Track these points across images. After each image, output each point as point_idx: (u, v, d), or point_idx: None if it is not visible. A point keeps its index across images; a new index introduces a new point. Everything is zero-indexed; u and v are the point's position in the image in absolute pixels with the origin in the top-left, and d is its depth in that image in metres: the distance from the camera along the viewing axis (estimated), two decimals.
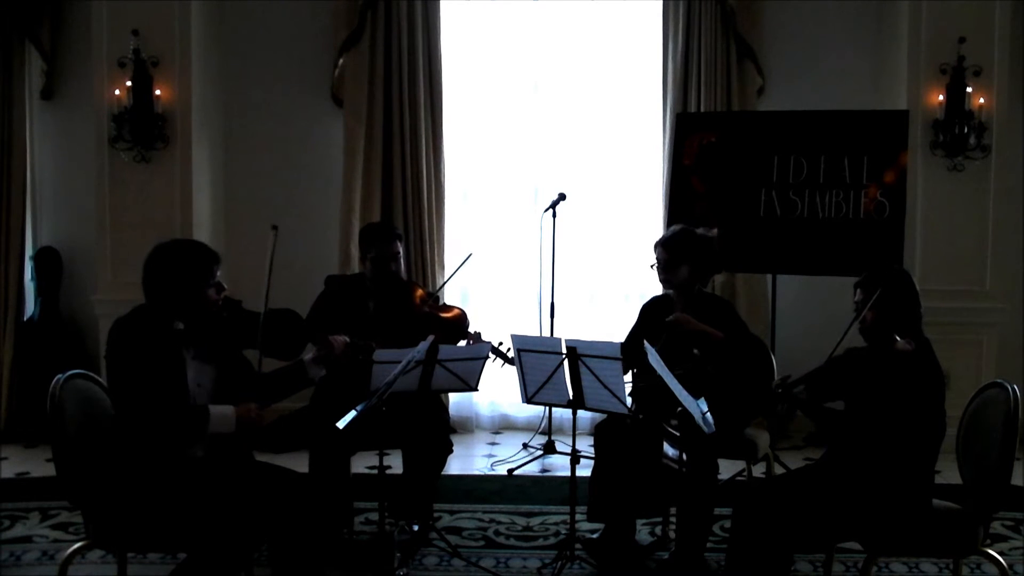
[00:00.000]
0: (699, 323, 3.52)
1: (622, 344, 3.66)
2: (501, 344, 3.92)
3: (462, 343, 3.80)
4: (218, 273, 2.85)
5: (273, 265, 2.91)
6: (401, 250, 3.86)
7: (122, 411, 2.72)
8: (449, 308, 3.95)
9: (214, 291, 2.83)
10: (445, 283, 3.82)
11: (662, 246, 3.65)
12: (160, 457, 2.68)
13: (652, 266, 3.69)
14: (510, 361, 3.85)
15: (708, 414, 2.97)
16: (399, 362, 3.05)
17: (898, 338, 2.77)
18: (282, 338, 2.98)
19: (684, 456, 3.40)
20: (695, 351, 3.30)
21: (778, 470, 4.22)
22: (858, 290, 2.95)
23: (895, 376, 2.76)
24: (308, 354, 3.06)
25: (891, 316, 2.85)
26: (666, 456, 3.53)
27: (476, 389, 3.46)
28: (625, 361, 3.54)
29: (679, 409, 3.13)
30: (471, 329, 3.86)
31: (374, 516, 3.75)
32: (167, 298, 2.77)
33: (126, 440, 2.70)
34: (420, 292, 3.98)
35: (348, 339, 3.10)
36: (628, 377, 3.62)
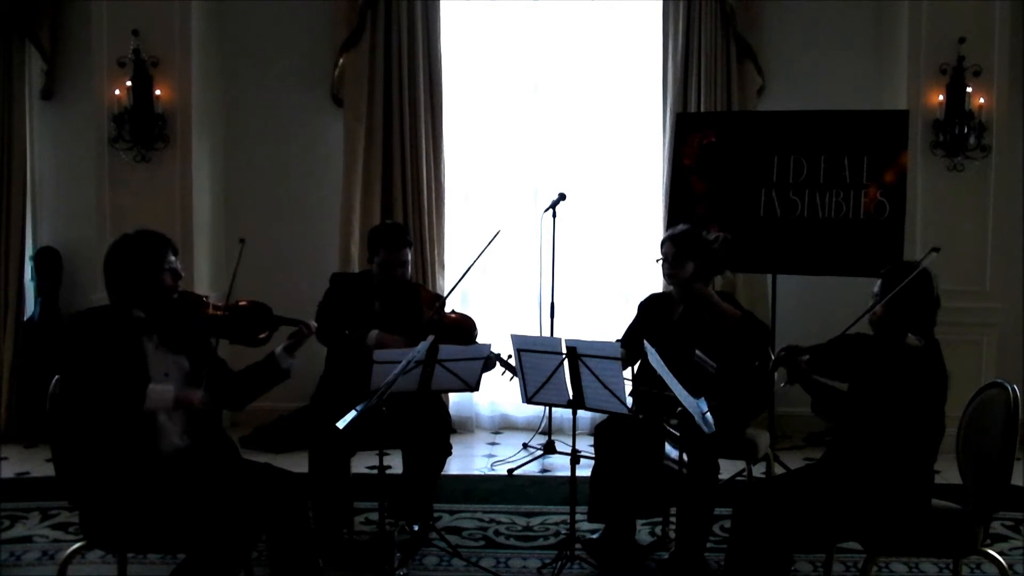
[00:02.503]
0: (719, 299, 3.57)
1: (620, 339, 3.68)
2: (510, 357, 3.74)
3: None
4: (173, 259, 2.86)
5: (238, 274, 3.01)
6: (410, 256, 3.80)
7: (70, 403, 2.70)
8: (456, 315, 3.91)
9: (169, 276, 2.84)
10: (471, 266, 3.68)
11: (671, 241, 3.66)
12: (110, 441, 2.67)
13: (658, 260, 3.70)
14: (512, 370, 3.79)
15: (708, 414, 2.97)
16: (399, 362, 3.05)
17: (910, 334, 2.76)
18: (246, 324, 2.98)
19: (685, 456, 3.40)
20: (697, 352, 3.30)
21: (778, 470, 4.22)
22: (879, 281, 2.93)
23: (900, 369, 2.76)
24: (278, 346, 3.05)
25: (902, 313, 2.84)
26: (667, 457, 3.52)
27: (476, 389, 3.46)
28: (624, 356, 3.56)
29: (679, 409, 3.14)
30: (480, 339, 3.77)
31: (374, 516, 3.75)
32: (123, 286, 2.80)
33: (72, 436, 2.70)
34: (427, 296, 3.97)
35: (317, 325, 3.15)
36: (627, 373, 3.62)
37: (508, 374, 3.90)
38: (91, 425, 2.67)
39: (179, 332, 2.86)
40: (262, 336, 3.03)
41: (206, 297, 3.04)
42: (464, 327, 3.81)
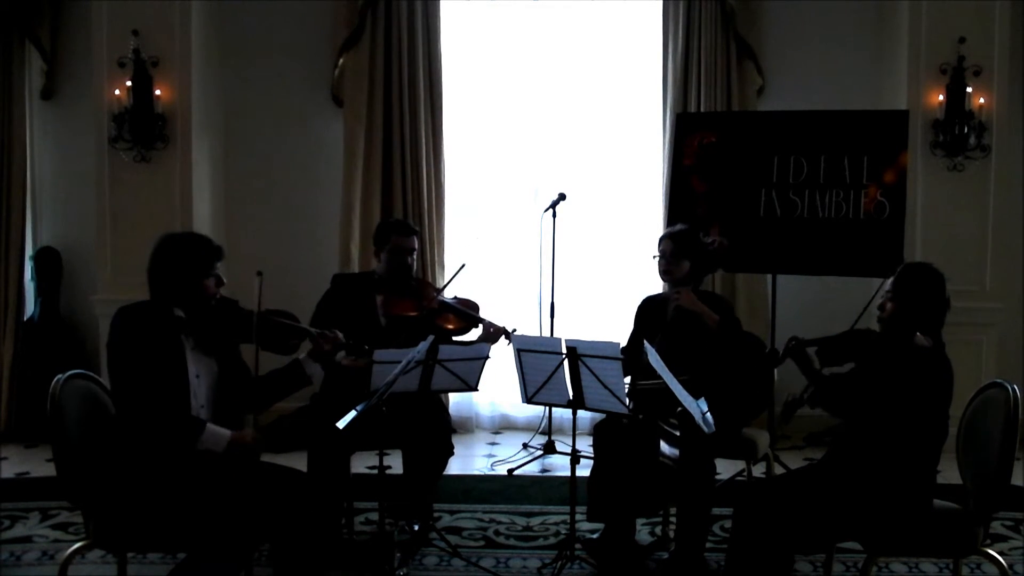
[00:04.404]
0: (698, 302, 3.61)
1: (623, 349, 3.68)
2: (515, 331, 3.86)
3: (479, 331, 3.81)
4: (219, 267, 2.93)
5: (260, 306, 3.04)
6: (416, 247, 3.89)
7: (123, 405, 2.76)
8: (461, 299, 3.96)
9: (213, 283, 2.90)
10: (443, 288, 3.83)
11: (669, 238, 3.73)
12: (155, 455, 2.70)
13: (655, 257, 3.74)
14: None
15: (708, 414, 2.97)
16: (399, 362, 3.05)
17: (919, 334, 2.77)
18: (277, 332, 3.05)
19: (680, 453, 3.40)
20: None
21: (778, 470, 4.22)
22: (891, 280, 2.94)
23: (908, 367, 2.77)
24: (303, 352, 3.10)
25: (913, 313, 2.85)
26: (663, 455, 3.53)
27: (476, 389, 3.46)
28: (627, 366, 3.56)
29: (679, 409, 3.14)
30: (484, 316, 3.88)
31: (374, 516, 3.75)
32: (168, 285, 2.84)
33: (124, 435, 2.73)
34: (429, 290, 3.98)
35: (342, 336, 3.14)
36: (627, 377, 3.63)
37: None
38: (141, 413, 2.70)
39: (214, 336, 2.91)
40: (294, 343, 3.10)
41: (237, 301, 3.07)
42: (467, 308, 3.90)
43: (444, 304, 3.85)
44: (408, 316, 3.73)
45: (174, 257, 2.86)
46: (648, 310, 3.86)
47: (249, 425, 3.08)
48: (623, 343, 3.73)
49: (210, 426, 2.78)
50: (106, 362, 2.83)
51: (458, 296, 3.98)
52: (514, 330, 3.88)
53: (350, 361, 3.50)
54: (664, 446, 3.54)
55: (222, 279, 2.94)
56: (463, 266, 3.88)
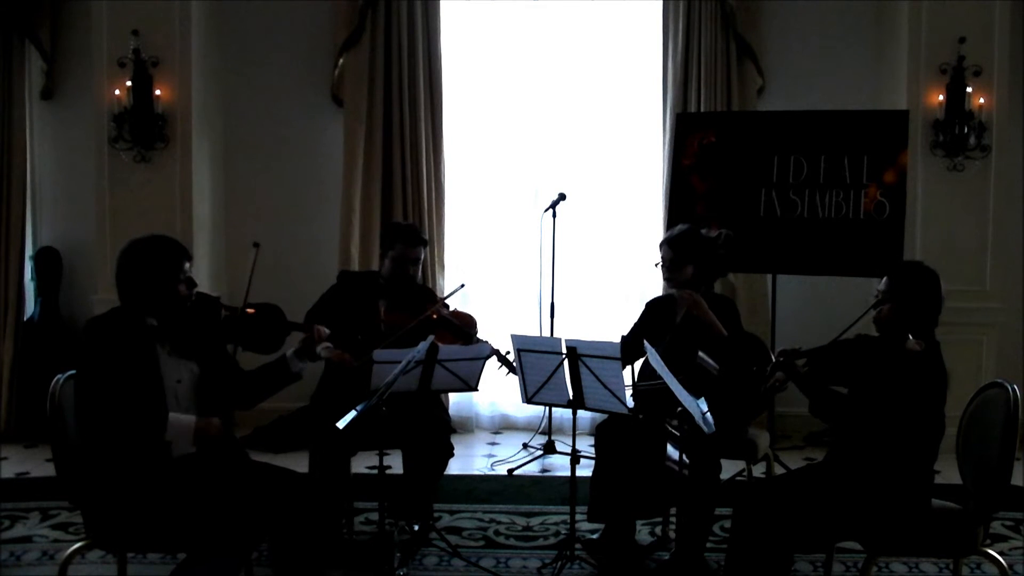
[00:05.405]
0: (708, 310, 3.54)
1: (623, 338, 3.67)
2: (508, 353, 3.83)
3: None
4: (188, 268, 2.86)
5: (253, 278, 2.97)
6: (423, 256, 3.85)
7: (86, 417, 2.70)
8: (459, 314, 3.94)
9: (184, 286, 2.84)
10: (444, 299, 3.82)
11: (667, 245, 3.66)
12: (126, 454, 2.67)
13: (657, 265, 3.70)
14: (512, 368, 3.79)
15: (708, 414, 2.97)
16: (399, 362, 3.05)
17: (911, 337, 2.77)
18: (261, 332, 2.99)
19: (685, 458, 3.39)
20: (700, 353, 3.30)
21: (778, 470, 4.22)
22: (884, 279, 2.93)
23: (900, 374, 2.76)
24: (290, 349, 3.06)
25: (908, 313, 2.85)
26: (669, 458, 3.52)
27: (476, 389, 3.46)
28: (625, 356, 3.56)
29: (679, 409, 3.14)
30: (480, 336, 3.85)
31: (374, 516, 3.75)
32: (138, 294, 2.79)
33: (87, 438, 2.69)
34: (431, 301, 3.97)
35: (329, 331, 3.10)
36: (628, 376, 3.62)
37: (505, 369, 3.90)
38: (105, 430, 2.66)
39: (191, 339, 2.86)
40: (277, 340, 3.04)
41: (219, 297, 3.03)
42: (465, 325, 3.85)
43: (443, 319, 3.83)
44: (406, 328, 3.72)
45: (141, 264, 2.78)
46: (657, 308, 3.83)
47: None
48: (625, 334, 3.73)
49: (172, 415, 2.71)
50: (75, 371, 2.77)
51: (457, 310, 3.97)
52: (507, 352, 3.84)
53: (334, 354, 3.26)
54: (670, 449, 3.53)
55: (193, 280, 2.88)
56: (462, 285, 3.89)
